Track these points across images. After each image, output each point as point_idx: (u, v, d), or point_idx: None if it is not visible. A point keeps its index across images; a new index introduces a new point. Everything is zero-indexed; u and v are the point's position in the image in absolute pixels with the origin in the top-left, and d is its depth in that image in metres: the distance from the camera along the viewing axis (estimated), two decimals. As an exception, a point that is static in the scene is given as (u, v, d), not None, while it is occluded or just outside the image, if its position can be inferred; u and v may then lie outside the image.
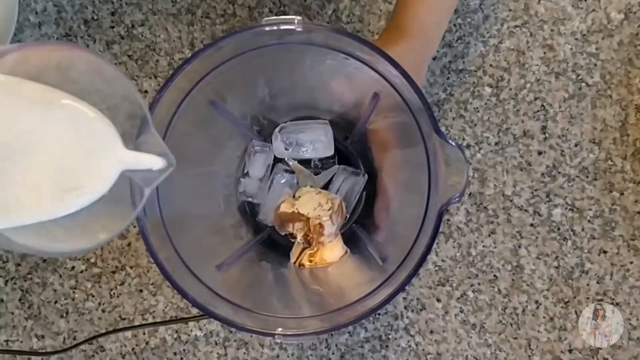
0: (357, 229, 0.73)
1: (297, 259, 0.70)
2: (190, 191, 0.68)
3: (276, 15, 0.77)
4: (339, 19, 0.78)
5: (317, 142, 0.71)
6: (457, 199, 0.50)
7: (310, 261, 0.71)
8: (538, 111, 0.77)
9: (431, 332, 0.77)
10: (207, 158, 0.71)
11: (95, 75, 0.44)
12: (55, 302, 0.79)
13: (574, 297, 0.76)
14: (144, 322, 0.78)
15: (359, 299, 0.55)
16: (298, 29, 0.51)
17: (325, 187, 0.73)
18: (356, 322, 0.51)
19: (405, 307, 0.77)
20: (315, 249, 0.70)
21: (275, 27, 0.51)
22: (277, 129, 0.71)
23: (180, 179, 0.64)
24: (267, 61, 0.58)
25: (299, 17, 0.50)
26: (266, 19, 0.51)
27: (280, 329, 0.51)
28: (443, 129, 0.76)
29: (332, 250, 0.71)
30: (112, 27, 0.78)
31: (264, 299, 0.63)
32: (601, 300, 0.76)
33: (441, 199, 0.51)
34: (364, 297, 0.55)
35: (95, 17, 0.78)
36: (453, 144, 0.50)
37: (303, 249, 0.71)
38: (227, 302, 0.55)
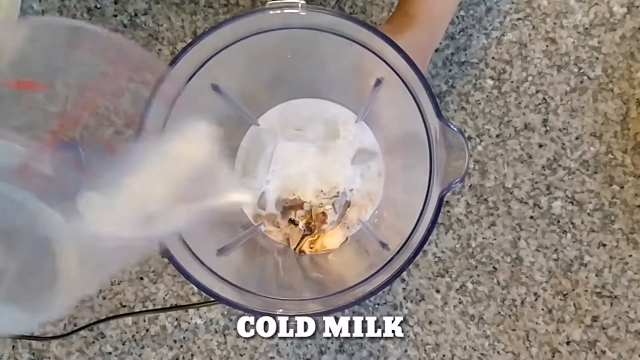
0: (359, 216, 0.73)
1: (298, 245, 0.71)
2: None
3: (279, 4, 0.77)
4: (342, 9, 0.78)
5: (319, 129, 0.71)
6: (457, 184, 0.50)
7: (311, 248, 0.71)
8: (539, 104, 0.77)
9: (430, 322, 0.78)
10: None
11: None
12: (56, 288, 0.79)
13: (573, 290, 0.77)
14: (144, 309, 0.78)
15: (357, 284, 0.55)
16: (302, 13, 0.51)
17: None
18: (354, 304, 0.51)
19: (404, 298, 0.78)
20: (316, 236, 0.70)
21: (278, 11, 0.51)
22: (278, 115, 0.71)
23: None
24: (270, 46, 0.58)
25: (302, 1, 0.50)
26: (270, 2, 0.51)
27: (280, 310, 0.52)
28: (444, 120, 0.77)
29: (333, 237, 0.71)
30: (115, 16, 0.79)
31: (264, 283, 0.63)
32: (599, 293, 0.76)
33: (442, 184, 0.51)
34: (362, 281, 0.55)
35: (99, 6, 0.79)
36: (454, 128, 0.50)
37: (304, 236, 0.71)
38: (229, 285, 0.55)
